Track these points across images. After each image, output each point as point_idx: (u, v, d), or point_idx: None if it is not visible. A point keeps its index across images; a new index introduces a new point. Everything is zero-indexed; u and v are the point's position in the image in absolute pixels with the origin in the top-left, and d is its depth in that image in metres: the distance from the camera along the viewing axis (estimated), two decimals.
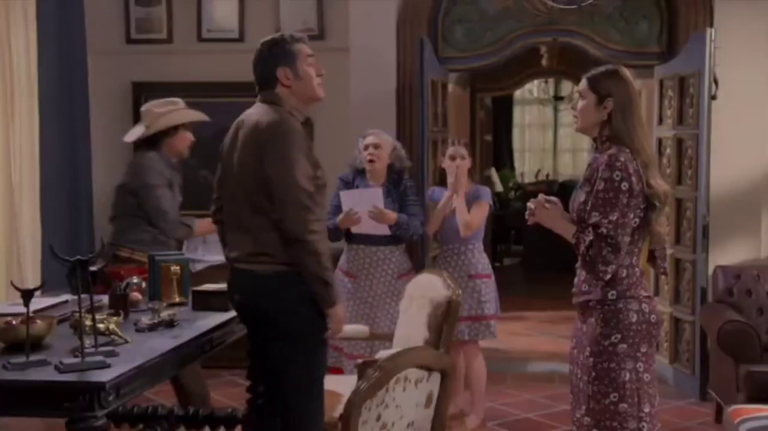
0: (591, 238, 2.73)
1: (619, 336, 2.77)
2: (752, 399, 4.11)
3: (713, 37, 5.01)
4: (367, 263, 4.48)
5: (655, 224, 2.82)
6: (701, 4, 5.44)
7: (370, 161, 4.50)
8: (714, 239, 5.20)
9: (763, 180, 5.43)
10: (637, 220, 2.78)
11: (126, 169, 4.33)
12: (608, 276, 2.75)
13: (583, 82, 2.90)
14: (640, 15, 5.67)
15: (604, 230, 2.71)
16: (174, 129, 4.20)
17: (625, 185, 2.72)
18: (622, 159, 2.73)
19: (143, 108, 4.32)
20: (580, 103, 2.89)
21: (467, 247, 4.66)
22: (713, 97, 5.06)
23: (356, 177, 4.61)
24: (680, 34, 5.50)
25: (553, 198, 2.93)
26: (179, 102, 4.32)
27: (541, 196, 2.94)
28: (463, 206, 4.57)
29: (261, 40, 3.12)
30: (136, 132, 4.26)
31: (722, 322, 4.47)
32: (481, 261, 4.69)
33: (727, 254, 5.32)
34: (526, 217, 2.97)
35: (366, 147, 4.53)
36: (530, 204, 2.94)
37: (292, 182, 2.87)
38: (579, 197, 2.85)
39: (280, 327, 2.94)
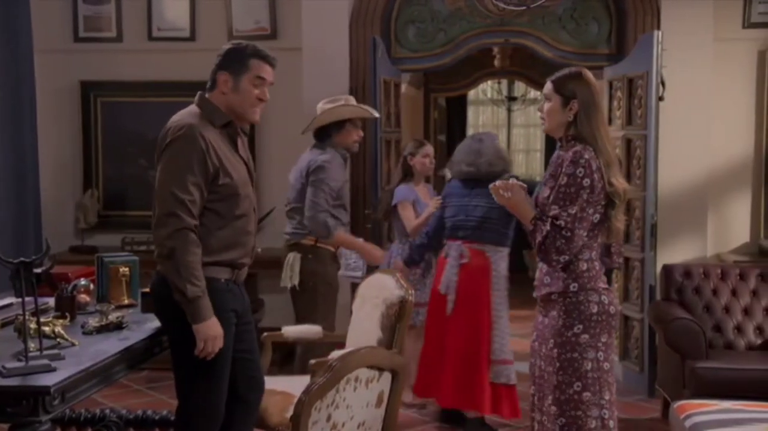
0: (548, 229, 2.82)
1: (581, 326, 2.88)
2: (698, 394, 4.18)
3: (660, 40, 5.10)
4: None
5: (614, 221, 2.92)
6: (649, 7, 5.54)
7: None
8: (662, 238, 5.30)
9: (708, 180, 5.54)
10: (597, 216, 2.88)
11: (300, 161, 4.49)
12: (560, 265, 2.86)
13: (548, 85, 2.99)
14: (589, 17, 5.75)
15: (562, 223, 2.81)
16: (342, 124, 4.41)
17: (586, 182, 2.82)
18: (587, 156, 2.84)
19: (320, 104, 4.58)
20: (547, 105, 2.98)
21: None
22: (660, 98, 5.15)
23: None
24: (629, 36, 5.60)
25: (522, 183, 3.01)
26: (350, 99, 4.66)
27: (513, 180, 3.01)
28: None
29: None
30: (311, 127, 4.52)
31: (669, 319, 4.55)
32: None
33: (675, 252, 5.42)
34: (495, 196, 3.00)
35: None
36: (500, 183, 2.98)
37: (163, 187, 2.88)
38: (543, 192, 2.95)
39: (163, 318, 3.02)
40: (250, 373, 3.18)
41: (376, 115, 4.84)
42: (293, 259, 4.36)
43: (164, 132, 2.97)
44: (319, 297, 4.29)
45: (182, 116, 3.00)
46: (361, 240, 4.55)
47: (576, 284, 2.89)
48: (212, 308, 2.87)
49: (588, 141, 2.88)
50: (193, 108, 3.04)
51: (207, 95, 3.06)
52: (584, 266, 2.89)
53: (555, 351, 2.90)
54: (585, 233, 2.85)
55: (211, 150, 2.92)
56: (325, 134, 4.44)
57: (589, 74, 2.97)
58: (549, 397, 2.94)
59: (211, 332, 2.86)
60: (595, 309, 2.89)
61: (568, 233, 2.81)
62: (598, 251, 2.95)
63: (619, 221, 2.94)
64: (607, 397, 2.91)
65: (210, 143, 2.93)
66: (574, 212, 2.81)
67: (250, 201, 3.10)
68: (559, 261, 2.85)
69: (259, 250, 5.50)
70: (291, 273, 4.35)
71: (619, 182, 2.90)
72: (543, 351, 2.97)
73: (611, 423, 2.90)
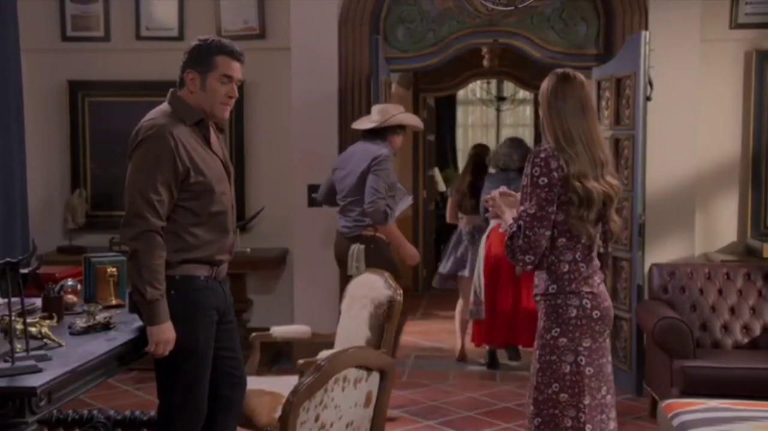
0: (513, 230, 2.84)
1: (558, 329, 2.84)
2: (685, 393, 4.21)
3: (648, 40, 5.12)
4: None
5: (609, 221, 2.89)
6: (636, 7, 5.56)
7: None
8: (649, 237, 5.32)
9: (696, 180, 5.57)
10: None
11: (358, 155, 4.69)
12: (529, 267, 2.85)
13: None
14: (578, 17, 5.77)
15: (522, 223, 2.80)
16: (401, 128, 4.81)
17: (543, 180, 2.77)
18: (543, 155, 2.80)
19: (379, 106, 4.93)
20: None
21: None
22: (648, 99, 5.17)
23: None
24: (617, 36, 5.62)
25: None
26: (402, 107, 5.08)
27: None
28: None
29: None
30: (368, 123, 4.80)
31: (657, 319, 4.56)
32: None
33: (662, 252, 5.45)
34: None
35: None
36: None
37: (132, 187, 2.92)
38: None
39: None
40: (232, 371, 3.18)
41: (422, 127, 5.47)
42: (357, 250, 4.62)
43: (135, 131, 2.98)
44: None
45: (153, 116, 3.00)
46: (403, 238, 4.88)
47: (555, 287, 2.84)
48: (168, 313, 2.88)
49: (548, 139, 2.89)
50: (164, 106, 3.04)
51: (179, 93, 3.06)
52: (565, 267, 2.83)
53: (537, 352, 2.89)
54: (548, 232, 2.79)
55: (181, 149, 2.92)
56: (386, 132, 4.74)
57: (556, 76, 2.90)
58: (530, 397, 2.93)
59: (164, 335, 2.89)
60: (573, 313, 2.82)
61: (529, 232, 2.77)
62: (582, 253, 2.86)
63: (614, 222, 2.91)
64: (586, 401, 2.83)
65: (180, 141, 2.93)
66: (533, 211, 2.78)
67: (228, 198, 3.10)
68: (525, 261, 2.82)
69: (248, 250, 5.55)
70: (357, 264, 4.60)
71: (581, 178, 2.78)
72: (535, 352, 2.97)
73: (588, 427, 2.83)
